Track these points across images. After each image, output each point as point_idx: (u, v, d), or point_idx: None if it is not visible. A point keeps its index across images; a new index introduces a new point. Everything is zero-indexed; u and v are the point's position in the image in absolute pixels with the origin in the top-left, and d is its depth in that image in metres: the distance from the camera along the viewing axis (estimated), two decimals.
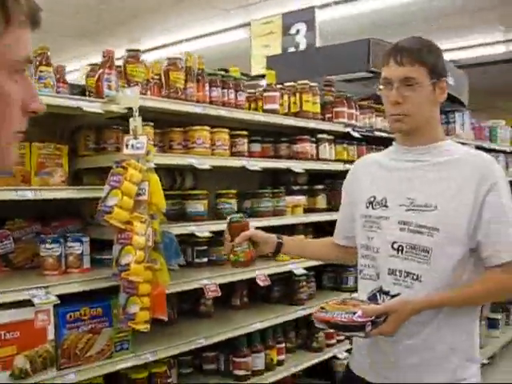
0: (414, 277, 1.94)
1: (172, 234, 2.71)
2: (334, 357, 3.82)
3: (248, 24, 7.74)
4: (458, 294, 1.95)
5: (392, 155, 2.14)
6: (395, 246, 1.98)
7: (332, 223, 4.00)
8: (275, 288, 3.68)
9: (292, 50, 7.14)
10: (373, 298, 2.05)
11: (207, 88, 3.13)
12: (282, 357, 3.49)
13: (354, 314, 1.86)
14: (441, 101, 2.04)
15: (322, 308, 2.01)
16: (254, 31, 7.53)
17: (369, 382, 2.07)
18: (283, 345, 3.51)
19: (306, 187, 4.05)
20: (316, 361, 3.66)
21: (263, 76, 4.69)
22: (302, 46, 7.10)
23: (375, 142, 4.42)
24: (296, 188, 3.96)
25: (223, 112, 3.17)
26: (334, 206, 4.09)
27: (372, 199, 2.09)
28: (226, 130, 3.23)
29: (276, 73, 3.83)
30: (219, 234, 3.24)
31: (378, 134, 4.36)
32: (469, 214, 1.90)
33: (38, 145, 2.68)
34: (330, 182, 4.15)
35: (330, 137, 4.00)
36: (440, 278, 1.91)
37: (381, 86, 2.04)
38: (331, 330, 2.17)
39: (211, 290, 2.96)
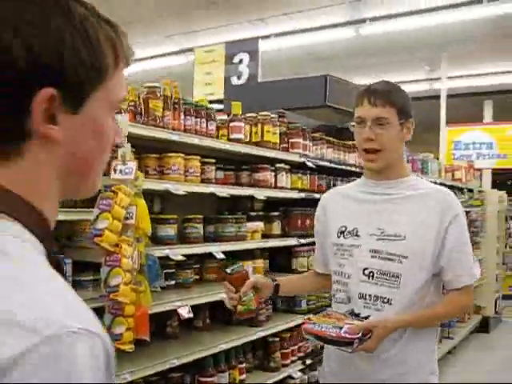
0: (385, 300, 2.15)
1: (154, 256, 2.81)
2: (289, 376, 3.98)
3: (191, 50, 7.91)
4: (426, 314, 2.20)
5: (361, 188, 2.34)
6: (366, 272, 2.18)
7: (286, 248, 4.25)
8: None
9: (235, 79, 7.35)
10: None
11: (182, 116, 3.26)
12: (243, 376, 3.62)
13: (341, 328, 2.04)
14: (407, 139, 2.29)
15: (309, 319, 2.19)
16: (197, 58, 7.69)
17: None
18: (244, 365, 3.64)
19: (262, 214, 4.22)
20: (273, 380, 3.81)
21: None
22: (245, 76, 7.32)
23: (325, 172, 4.68)
24: (253, 214, 4.13)
25: (196, 140, 3.30)
26: (287, 232, 4.30)
27: (343, 229, 2.28)
28: (198, 158, 3.37)
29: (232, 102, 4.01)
30: (188, 257, 3.37)
31: (329, 164, 4.62)
32: (433, 243, 2.14)
33: None
34: (284, 209, 4.34)
35: (287, 166, 4.21)
36: (408, 301, 2.13)
37: (354, 124, 2.26)
38: (317, 342, 2.30)
39: (185, 312, 3.06)
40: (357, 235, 2.24)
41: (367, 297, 2.16)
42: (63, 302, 0.68)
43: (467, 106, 10.89)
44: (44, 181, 0.79)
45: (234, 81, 7.35)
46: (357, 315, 2.19)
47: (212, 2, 7.15)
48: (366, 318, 2.15)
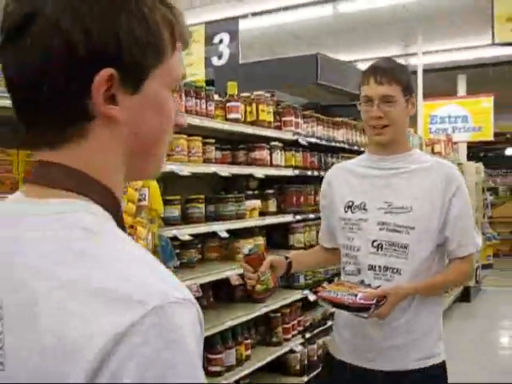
0: (394, 270, 2.23)
1: (166, 237, 2.84)
2: (291, 350, 4.07)
3: None
4: (434, 282, 2.29)
5: (365, 163, 2.40)
6: (375, 244, 2.25)
7: (282, 225, 4.31)
8: (238, 287, 3.87)
9: (215, 59, 7.33)
10: None
11: (184, 97, 3.28)
12: (249, 352, 3.69)
13: (356, 295, 2.11)
14: (411, 114, 2.37)
15: (323, 287, 2.27)
16: None
17: (352, 365, 2.32)
18: (249, 340, 3.71)
19: (257, 192, 4.27)
20: (277, 354, 3.90)
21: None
22: (226, 56, 7.29)
23: (316, 149, 4.74)
24: (250, 193, 4.17)
25: (197, 121, 3.33)
26: (283, 209, 4.37)
27: (350, 203, 2.35)
28: (200, 138, 3.40)
29: (222, 82, 4.04)
30: (194, 236, 3.41)
31: (319, 141, 4.68)
32: (439, 214, 2.23)
33: (25, 152, 2.71)
34: (278, 187, 4.40)
35: (281, 144, 4.26)
36: (416, 270, 2.22)
37: (360, 102, 2.33)
38: (331, 308, 2.36)
39: (193, 291, 3.11)
40: (364, 209, 2.30)
41: (377, 268, 2.24)
42: (158, 272, 0.71)
43: (442, 81, 11.03)
44: (108, 161, 0.80)
45: (215, 61, 7.33)
46: (368, 285, 2.27)
47: None
48: (377, 287, 2.23)
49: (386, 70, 2.24)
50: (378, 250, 2.25)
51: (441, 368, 2.30)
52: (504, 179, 21.30)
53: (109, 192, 0.80)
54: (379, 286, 2.21)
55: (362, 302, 2.08)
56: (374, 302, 2.07)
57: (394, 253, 2.23)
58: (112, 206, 0.80)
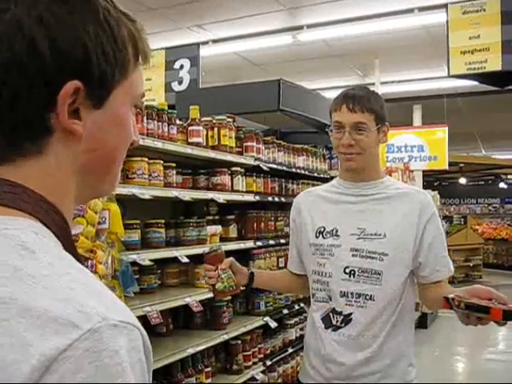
0: (367, 297, 2.21)
1: (127, 261, 2.77)
2: (252, 378, 4.01)
3: None
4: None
5: (336, 189, 2.40)
6: (347, 270, 2.23)
7: (243, 251, 4.27)
8: (197, 314, 3.80)
9: (176, 84, 7.33)
10: (327, 318, 2.30)
11: (145, 120, 3.24)
12: (209, 380, 3.61)
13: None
14: (383, 142, 2.38)
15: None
16: None
17: None
18: (209, 368, 3.64)
19: (218, 217, 4.23)
20: (238, 382, 3.83)
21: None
22: (186, 82, 7.32)
23: (277, 175, 4.75)
24: (210, 218, 4.13)
25: (159, 144, 3.29)
26: (244, 235, 4.33)
27: (322, 229, 2.33)
28: (161, 162, 3.35)
29: (182, 107, 4.02)
30: (153, 261, 3.35)
31: (280, 167, 4.69)
32: (413, 240, 2.23)
33: None
34: (239, 213, 4.37)
35: (242, 169, 4.25)
36: (389, 296, 2.21)
37: (332, 129, 2.33)
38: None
39: (153, 317, 3.04)
40: (336, 235, 2.29)
41: (349, 294, 2.22)
42: (97, 294, 0.67)
43: (398, 111, 11.25)
44: (63, 179, 0.76)
45: (176, 86, 7.34)
46: (338, 313, 2.25)
47: (150, 8, 7.08)
48: (349, 315, 2.22)
49: (359, 98, 2.23)
50: (350, 276, 2.23)
51: None
52: (458, 208, 21.78)
53: (57, 212, 0.75)
54: (351, 314, 2.20)
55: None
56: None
57: (367, 279, 2.21)
58: (60, 227, 0.75)
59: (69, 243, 0.76)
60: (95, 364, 0.59)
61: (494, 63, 5.71)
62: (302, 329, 4.83)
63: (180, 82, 7.35)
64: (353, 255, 2.23)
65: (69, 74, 0.71)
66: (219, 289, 2.24)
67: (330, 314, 2.27)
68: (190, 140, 3.71)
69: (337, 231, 2.29)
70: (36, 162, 0.74)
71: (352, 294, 2.22)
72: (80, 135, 0.74)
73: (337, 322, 2.24)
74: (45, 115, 0.72)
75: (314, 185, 4.73)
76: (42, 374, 0.57)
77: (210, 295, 3.63)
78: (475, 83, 7.16)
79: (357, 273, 2.22)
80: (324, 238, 2.31)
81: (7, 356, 0.58)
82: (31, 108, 0.71)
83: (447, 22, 5.99)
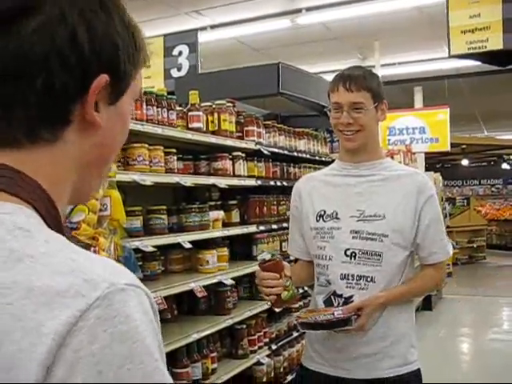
0: (368, 278, 2.21)
1: (130, 248, 2.77)
2: (258, 362, 4.01)
3: None
4: (409, 289, 2.29)
5: (336, 172, 2.39)
6: (348, 252, 2.23)
7: (246, 235, 4.26)
8: (202, 300, 3.80)
9: (175, 71, 7.29)
10: (328, 301, 2.30)
11: (144, 106, 3.22)
12: (215, 365, 3.62)
13: (333, 314, 2.11)
14: (382, 120, 2.37)
15: (299, 317, 2.25)
16: None
17: (326, 375, 2.30)
18: (215, 353, 3.65)
19: (220, 203, 4.22)
20: (244, 367, 3.84)
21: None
22: (185, 68, 7.27)
23: (278, 159, 4.73)
24: (212, 204, 4.12)
25: (159, 130, 3.28)
26: (246, 220, 4.33)
27: (322, 213, 2.33)
28: (162, 148, 3.34)
29: (182, 94, 4.00)
30: (157, 248, 3.34)
31: (282, 151, 4.67)
32: (412, 221, 2.23)
33: None
34: (241, 198, 4.36)
35: (243, 154, 4.23)
36: (389, 277, 2.22)
37: (330, 109, 2.32)
38: (315, 331, 2.28)
39: (157, 303, 3.04)
40: (337, 218, 2.28)
41: (350, 277, 2.22)
42: (99, 261, 0.66)
43: (399, 93, 11.21)
44: (66, 172, 0.77)
45: (175, 73, 7.29)
46: (339, 296, 2.24)
47: None
48: (350, 297, 2.21)
49: (355, 77, 2.24)
50: (350, 258, 2.23)
51: (416, 376, 2.28)
52: (460, 190, 21.76)
53: (52, 204, 0.74)
54: (352, 296, 2.20)
55: (341, 316, 2.09)
56: (352, 313, 2.10)
57: (368, 261, 2.21)
58: (53, 218, 0.74)
59: (60, 232, 0.74)
60: (110, 331, 0.58)
61: (495, 42, 5.65)
62: None
63: (179, 69, 7.30)
64: (353, 237, 2.23)
65: (101, 67, 0.73)
66: (286, 298, 2.11)
67: (332, 297, 2.27)
68: (190, 125, 3.69)
69: (337, 214, 2.29)
70: (45, 149, 0.73)
71: (353, 276, 2.22)
72: (99, 127, 0.76)
73: (338, 304, 2.24)
74: (71, 105, 0.73)
75: (315, 168, 4.72)
76: (57, 350, 0.57)
77: (214, 280, 3.64)
78: (476, 64, 7.12)
79: (357, 255, 2.22)
80: (324, 221, 2.31)
81: (22, 341, 0.57)
82: (61, 97, 0.72)
83: (447, 0, 5.93)
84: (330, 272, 2.26)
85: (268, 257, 2.15)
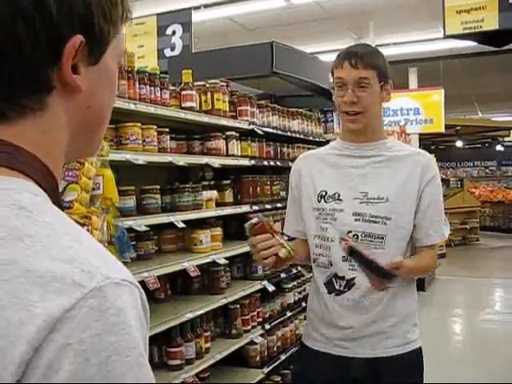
0: None
1: (123, 227, 2.76)
2: (251, 342, 4.03)
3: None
4: (419, 264, 2.31)
5: (338, 151, 2.36)
6: (350, 235, 2.22)
7: (239, 215, 4.26)
8: (195, 279, 3.80)
9: (168, 50, 7.22)
10: (329, 283, 2.29)
11: (137, 85, 3.19)
12: (209, 344, 3.63)
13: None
14: (386, 101, 2.34)
15: (348, 241, 2.17)
16: (128, 31, 7.49)
17: (327, 354, 2.30)
18: (208, 333, 3.65)
19: (213, 182, 4.21)
20: (237, 346, 3.85)
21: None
22: (178, 48, 7.20)
23: (272, 139, 4.71)
24: (206, 183, 4.11)
25: (152, 109, 3.25)
26: (240, 200, 4.31)
27: (323, 193, 2.30)
28: (154, 127, 3.31)
29: (175, 73, 3.96)
30: (150, 227, 3.33)
31: (275, 131, 4.65)
32: (414, 203, 2.22)
33: None
34: (235, 178, 4.35)
35: (237, 134, 4.21)
36: (392, 260, 2.21)
37: (334, 87, 2.29)
38: (354, 259, 2.17)
39: (151, 283, 3.04)
40: (339, 199, 2.26)
41: (352, 259, 2.20)
42: (98, 253, 0.67)
43: (393, 74, 11.15)
44: (57, 138, 0.76)
45: (168, 52, 7.23)
46: (341, 278, 2.24)
47: None
48: (352, 279, 2.21)
49: (361, 54, 2.20)
50: (353, 241, 2.22)
51: (417, 354, 2.30)
52: (454, 171, 21.79)
53: (50, 173, 0.74)
54: (354, 278, 2.20)
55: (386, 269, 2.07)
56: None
57: (370, 243, 2.20)
58: (52, 188, 0.74)
59: (58, 205, 0.75)
60: (101, 322, 0.59)
61: (491, 22, 5.61)
62: (300, 292, 4.85)
63: (172, 49, 7.23)
64: (356, 219, 2.22)
65: (73, 28, 0.71)
66: (285, 255, 2.09)
67: (333, 279, 2.26)
68: (183, 105, 3.66)
69: (339, 195, 2.26)
70: (33, 119, 0.73)
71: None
72: (80, 91, 0.74)
73: (340, 286, 2.24)
74: (47, 70, 0.71)
75: (309, 148, 4.69)
76: (47, 333, 0.58)
77: (208, 260, 3.64)
78: (472, 44, 7.08)
79: (360, 237, 2.21)
80: (326, 202, 2.28)
81: (12, 317, 0.58)
82: (34, 62, 0.70)
83: None
84: (333, 253, 2.25)
85: (255, 220, 2.13)
